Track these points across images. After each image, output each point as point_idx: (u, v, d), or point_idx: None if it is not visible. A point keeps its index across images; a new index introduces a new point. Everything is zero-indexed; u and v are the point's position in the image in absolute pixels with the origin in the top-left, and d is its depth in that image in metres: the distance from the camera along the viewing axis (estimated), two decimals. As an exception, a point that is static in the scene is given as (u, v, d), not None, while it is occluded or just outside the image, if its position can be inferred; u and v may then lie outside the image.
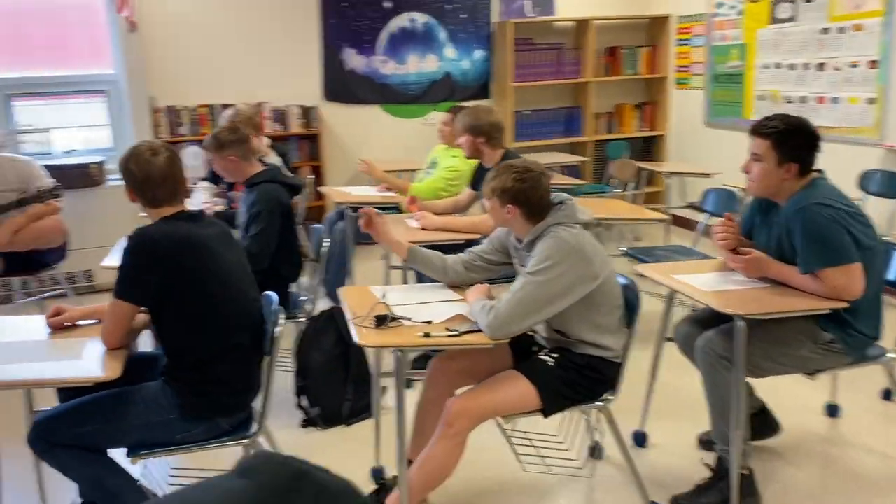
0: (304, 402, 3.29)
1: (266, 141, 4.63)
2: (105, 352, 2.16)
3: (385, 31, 6.25)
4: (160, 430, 2.20)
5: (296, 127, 5.99)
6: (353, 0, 6.11)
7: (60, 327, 2.35)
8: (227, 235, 2.35)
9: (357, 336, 2.19)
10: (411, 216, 3.81)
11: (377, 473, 2.80)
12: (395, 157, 6.24)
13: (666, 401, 3.22)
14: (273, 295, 2.45)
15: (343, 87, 6.21)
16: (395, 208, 4.40)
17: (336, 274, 4.67)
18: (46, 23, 5.69)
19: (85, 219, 4.90)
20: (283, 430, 3.23)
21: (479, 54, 6.52)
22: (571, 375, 2.38)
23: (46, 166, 4.98)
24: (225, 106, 5.75)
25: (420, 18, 6.31)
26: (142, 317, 2.27)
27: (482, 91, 6.61)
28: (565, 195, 2.44)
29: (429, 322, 2.28)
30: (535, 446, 2.99)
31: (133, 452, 2.20)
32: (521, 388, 2.32)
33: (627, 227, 6.35)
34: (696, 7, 6.33)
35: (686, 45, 6.53)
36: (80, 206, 4.94)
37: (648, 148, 7.05)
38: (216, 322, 2.21)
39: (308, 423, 3.28)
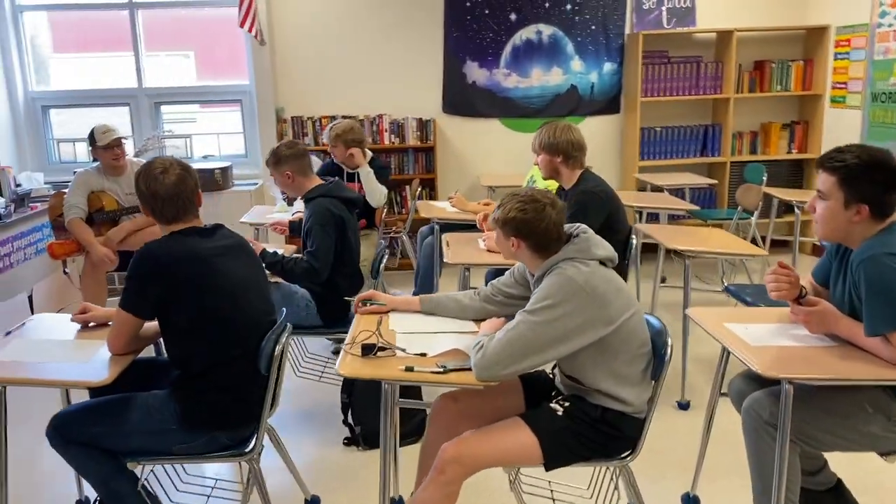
0: (349, 420, 3.27)
1: (368, 154, 4.68)
2: (110, 357, 2.24)
3: (509, 43, 6.14)
4: (159, 438, 2.25)
5: (412, 139, 6.03)
6: (477, 13, 6.06)
7: (86, 324, 2.49)
8: (238, 249, 2.36)
9: (338, 363, 2.11)
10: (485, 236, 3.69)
11: None
12: (513, 171, 6.11)
13: (723, 459, 2.86)
14: (283, 311, 2.45)
15: (463, 99, 6.18)
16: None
17: (422, 289, 4.63)
18: (197, 32, 6.15)
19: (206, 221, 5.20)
20: (324, 446, 3.23)
21: (608, 67, 6.23)
22: (581, 428, 2.16)
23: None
24: (345, 117, 5.92)
25: (546, 30, 6.13)
26: (152, 325, 2.33)
27: (611, 105, 6.31)
28: (582, 226, 2.23)
29: (422, 354, 2.16)
30: (554, 499, 2.74)
31: (132, 458, 2.26)
32: (522, 438, 2.13)
33: (747, 261, 5.78)
34: (857, 16, 5.64)
35: (844, 58, 5.85)
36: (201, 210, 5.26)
37: (798, 172, 6.40)
38: (215, 334, 2.23)
39: (350, 441, 3.25)
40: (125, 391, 2.34)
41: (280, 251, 3.30)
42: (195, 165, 5.48)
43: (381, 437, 2.17)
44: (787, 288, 2.29)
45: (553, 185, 3.75)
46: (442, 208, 4.62)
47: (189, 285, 2.18)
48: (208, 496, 2.82)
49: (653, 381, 2.21)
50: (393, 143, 6.01)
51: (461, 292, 2.58)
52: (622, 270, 3.40)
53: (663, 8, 6.18)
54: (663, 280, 5.34)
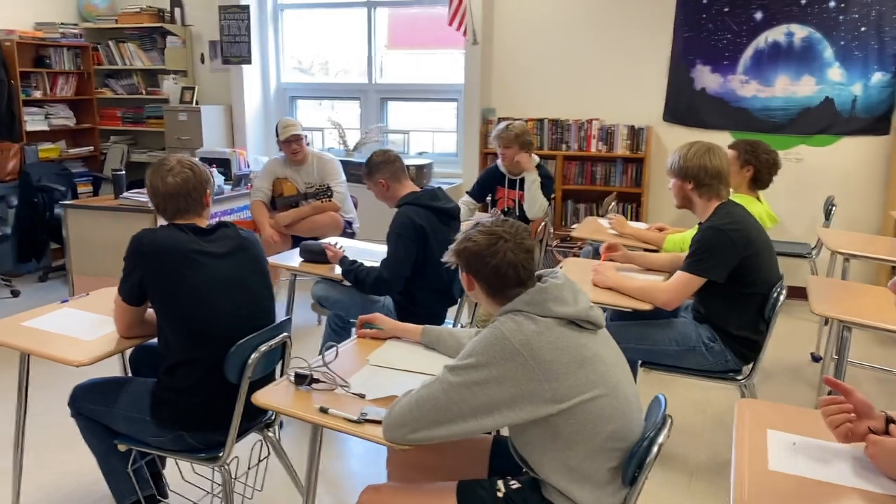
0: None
1: (535, 159, 4.37)
2: (115, 339, 2.33)
3: (751, 46, 5.29)
4: (138, 427, 2.29)
5: (621, 148, 5.51)
6: (714, 11, 5.32)
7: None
8: (237, 250, 2.30)
9: (260, 392, 1.94)
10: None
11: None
12: (735, 194, 5.29)
13: None
14: (285, 320, 2.34)
15: (688, 107, 5.48)
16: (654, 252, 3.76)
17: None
18: (428, 27, 6.30)
19: (371, 213, 5.26)
20: (337, 459, 3.08)
21: (878, 78, 5.07)
22: (514, 525, 1.74)
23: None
24: (552, 122, 5.62)
25: (799, 32, 5.17)
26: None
27: (879, 125, 5.13)
28: (555, 272, 1.78)
29: (361, 396, 1.90)
30: None
31: (120, 439, 2.34)
32: (442, 510, 1.78)
33: None
34: None
35: None
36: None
37: None
38: (180, 331, 2.20)
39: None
40: (145, 375, 2.44)
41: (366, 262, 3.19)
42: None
43: (306, 478, 1.96)
44: (842, 418, 1.59)
45: (760, 208, 3.23)
46: (602, 228, 4.14)
47: (162, 276, 2.17)
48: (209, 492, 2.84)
49: (627, 487, 1.69)
50: (600, 150, 5.56)
51: (466, 329, 2.25)
52: (760, 332, 2.75)
53: (966, 4, 4.85)
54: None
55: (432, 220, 3.10)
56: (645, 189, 5.50)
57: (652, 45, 5.47)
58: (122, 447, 2.34)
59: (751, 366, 2.88)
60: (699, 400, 3.68)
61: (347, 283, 3.15)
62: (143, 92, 6.82)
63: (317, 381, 1.94)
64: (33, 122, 6.26)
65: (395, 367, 2.09)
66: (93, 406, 2.37)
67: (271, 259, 3.46)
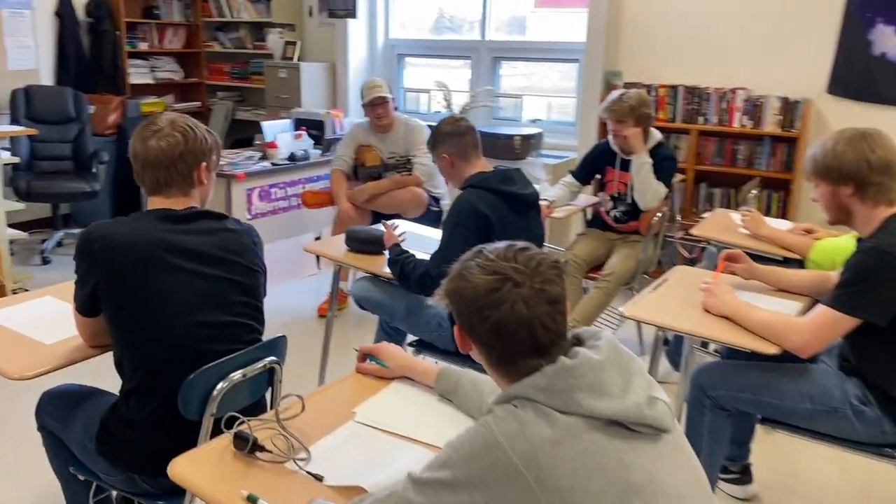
0: None
1: (655, 136, 3.60)
2: (74, 348, 1.91)
3: (954, 0, 4.17)
4: (87, 456, 1.87)
5: (770, 125, 4.56)
6: (907, -46, 4.22)
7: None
8: (216, 250, 1.79)
9: (183, 457, 1.42)
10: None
11: None
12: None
13: None
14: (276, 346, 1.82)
15: (862, 78, 4.43)
16: (796, 262, 2.95)
17: (676, 344, 3.40)
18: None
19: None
20: None
21: None
22: None
23: (487, 133, 4.94)
24: (689, 90, 4.76)
25: None
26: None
27: None
28: (606, 337, 1.13)
29: (318, 478, 1.34)
30: None
31: (76, 466, 1.93)
32: None
33: None
34: None
35: None
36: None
37: None
38: (133, 352, 1.73)
39: None
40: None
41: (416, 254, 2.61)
42: (492, 130, 5.02)
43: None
44: None
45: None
46: (733, 225, 3.33)
47: (116, 280, 1.70)
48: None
49: None
50: (744, 126, 4.64)
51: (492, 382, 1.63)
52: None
53: None
54: None
55: (501, 209, 2.47)
56: (796, 176, 4.54)
57: (819, 1, 4.46)
58: (80, 476, 1.93)
59: (919, 441, 2.07)
60: (846, 462, 2.85)
61: (393, 280, 2.60)
62: (250, 46, 6.53)
63: (262, 448, 1.40)
64: (138, 74, 6.13)
65: (385, 427, 1.52)
66: (53, 421, 1.97)
67: (313, 244, 2.97)
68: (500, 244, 1.20)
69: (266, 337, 1.88)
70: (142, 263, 1.69)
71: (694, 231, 3.23)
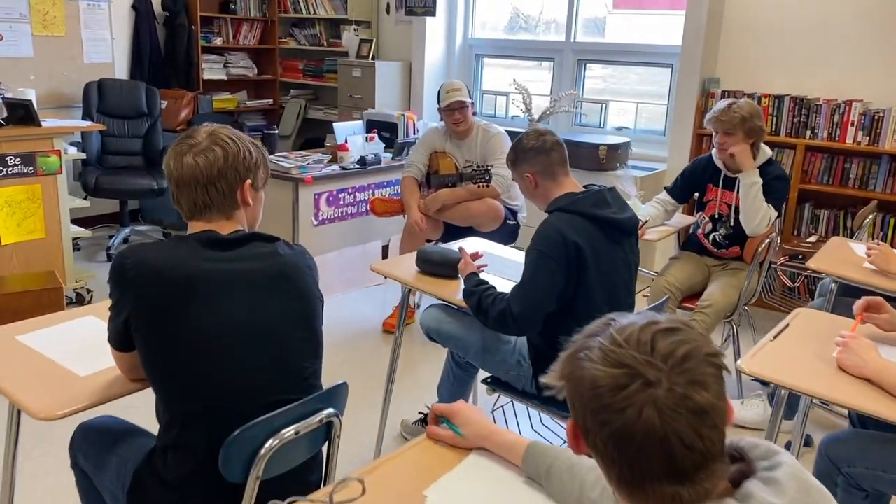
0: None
1: (766, 152, 3.21)
2: (112, 380, 1.69)
3: None
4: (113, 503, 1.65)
5: (891, 142, 4.09)
6: None
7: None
8: (268, 277, 1.54)
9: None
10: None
11: None
12: None
13: None
14: (325, 392, 1.55)
15: None
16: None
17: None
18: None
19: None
20: None
21: None
22: None
23: (569, 141, 4.61)
24: (795, 100, 4.33)
25: None
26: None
27: None
28: (786, 461, 0.82)
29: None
30: None
31: (108, 515, 1.71)
32: None
33: None
34: None
35: None
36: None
37: None
38: (177, 400, 1.49)
39: None
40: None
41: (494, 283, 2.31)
42: (576, 139, 4.68)
43: None
44: None
45: None
46: (858, 259, 2.92)
47: (149, 316, 1.46)
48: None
49: None
50: (858, 142, 4.18)
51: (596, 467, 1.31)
52: None
53: None
54: None
55: (594, 236, 2.15)
56: (921, 199, 4.06)
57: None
58: (109, 526, 1.71)
59: None
60: None
61: (467, 309, 2.31)
62: (325, 43, 6.35)
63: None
64: (211, 70, 6.01)
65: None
66: (86, 462, 1.76)
67: (380, 265, 2.70)
68: (637, 319, 0.89)
69: (325, 377, 1.63)
70: (180, 299, 1.45)
71: (811, 264, 2.84)
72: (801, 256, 4.09)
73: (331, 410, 1.55)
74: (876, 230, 4.18)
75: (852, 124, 4.18)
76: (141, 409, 1.86)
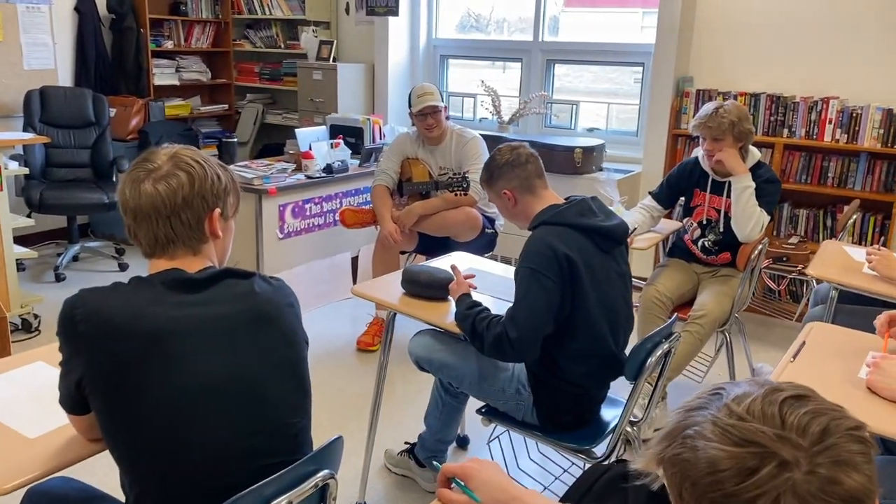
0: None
1: (755, 155, 3.09)
2: (68, 441, 1.46)
3: None
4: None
5: (869, 140, 4.02)
6: None
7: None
8: (245, 321, 1.33)
9: None
10: None
11: None
12: None
13: None
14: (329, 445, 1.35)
15: (978, 87, 3.90)
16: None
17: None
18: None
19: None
20: None
21: None
22: None
23: (541, 145, 4.46)
24: (772, 98, 4.24)
25: None
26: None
27: None
28: None
29: None
30: None
31: None
32: None
33: None
34: None
35: None
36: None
37: None
38: (142, 471, 1.27)
39: None
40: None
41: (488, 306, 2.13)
42: (548, 142, 4.54)
43: None
44: None
45: None
46: (856, 265, 2.81)
47: (106, 379, 1.24)
48: None
49: None
50: (837, 140, 4.11)
51: None
52: None
53: None
54: None
55: (584, 247, 1.98)
56: (902, 201, 4.01)
57: (930, -3, 3.92)
58: None
59: None
60: None
61: (460, 335, 2.12)
62: (282, 45, 6.09)
63: None
64: (163, 75, 5.71)
65: None
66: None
67: (361, 288, 2.48)
68: (751, 387, 0.71)
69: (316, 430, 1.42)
70: (143, 355, 1.23)
71: (810, 271, 2.72)
72: (785, 258, 4.00)
73: (326, 472, 1.35)
74: (857, 230, 4.11)
75: (830, 122, 4.11)
76: (103, 461, 1.64)
